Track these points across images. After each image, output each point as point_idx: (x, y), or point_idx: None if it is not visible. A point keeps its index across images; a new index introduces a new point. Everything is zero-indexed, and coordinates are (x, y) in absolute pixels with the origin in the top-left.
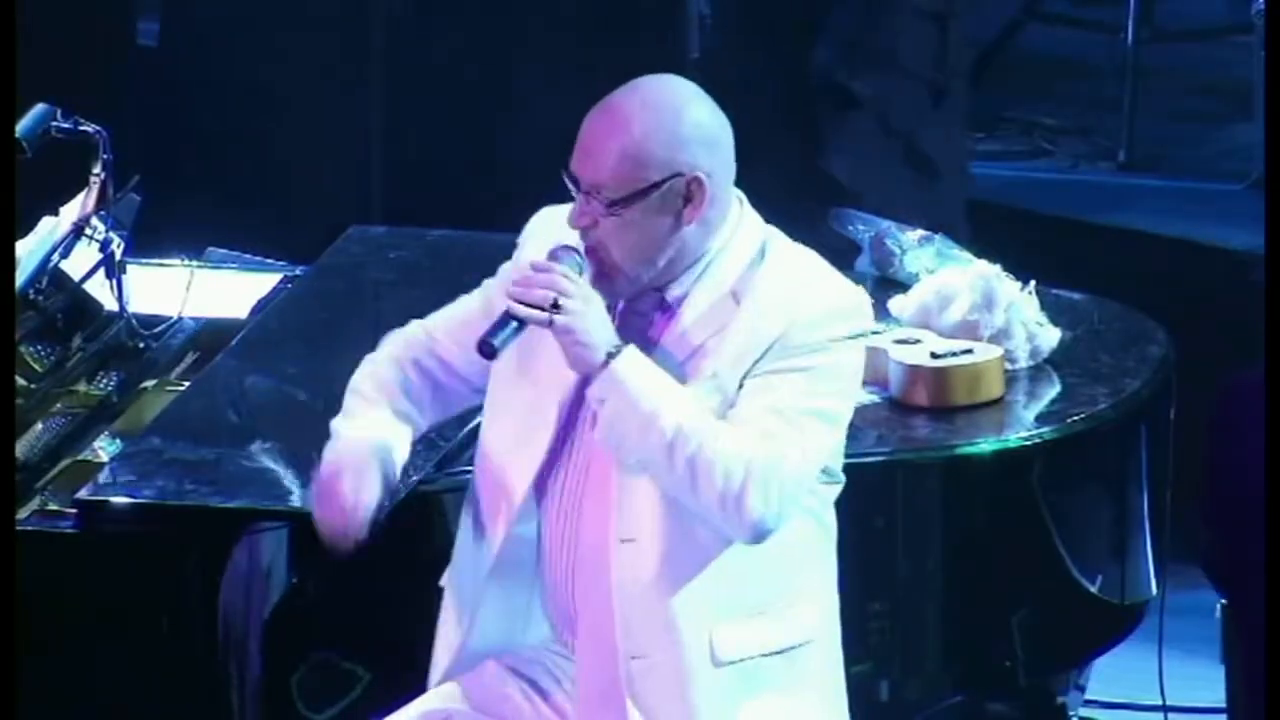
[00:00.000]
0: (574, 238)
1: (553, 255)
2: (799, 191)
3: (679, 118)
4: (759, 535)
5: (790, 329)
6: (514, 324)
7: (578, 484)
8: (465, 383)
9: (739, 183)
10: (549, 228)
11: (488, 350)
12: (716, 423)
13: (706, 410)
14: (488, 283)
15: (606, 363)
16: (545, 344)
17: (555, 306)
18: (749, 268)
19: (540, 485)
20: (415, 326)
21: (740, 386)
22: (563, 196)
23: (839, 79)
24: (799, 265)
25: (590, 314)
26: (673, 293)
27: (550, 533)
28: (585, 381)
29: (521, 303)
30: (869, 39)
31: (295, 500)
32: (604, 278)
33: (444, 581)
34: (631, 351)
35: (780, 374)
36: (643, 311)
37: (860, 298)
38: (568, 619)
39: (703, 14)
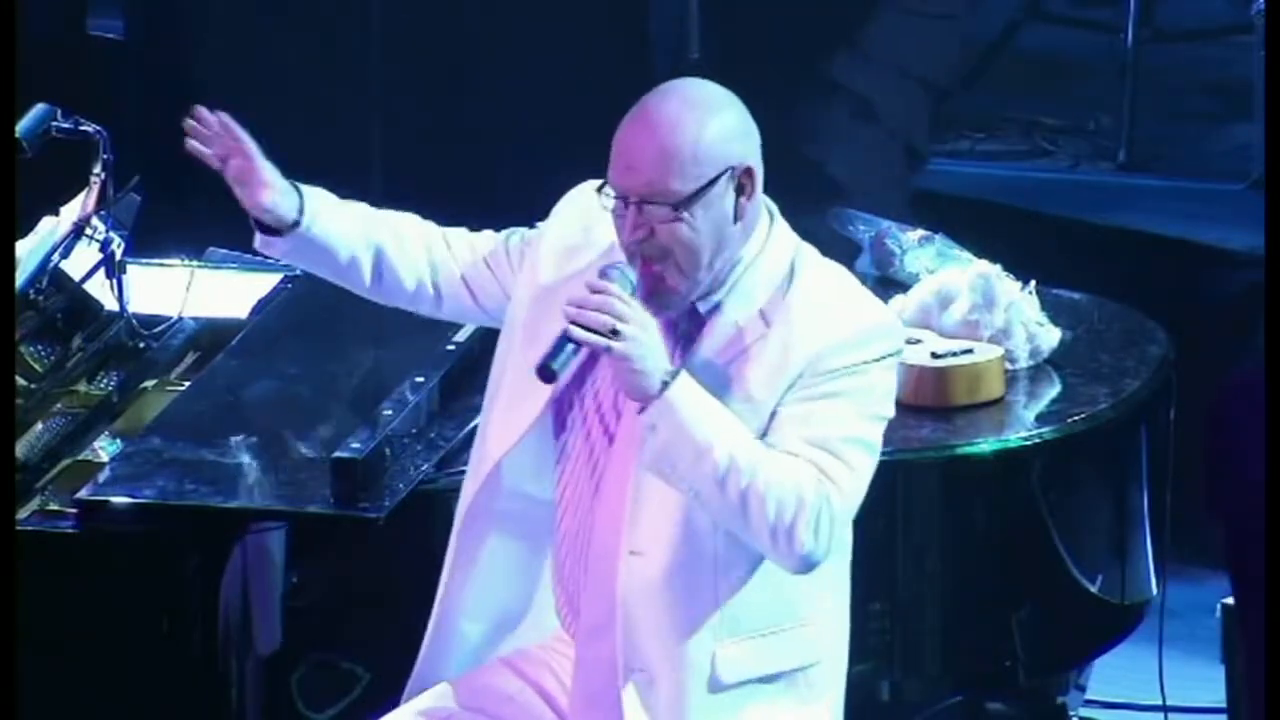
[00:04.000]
0: (603, 225)
1: (604, 274)
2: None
3: (722, 113)
4: (807, 567)
5: (822, 352)
6: (571, 346)
7: (588, 492)
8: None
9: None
10: (585, 209)
11: (548, 375)
12: (769, 453)
13: (756, 439)
14: (509, 233)
15: (661, 391)
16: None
17: (614, 332)
18: (779, 287)
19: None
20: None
21: (774, 412)
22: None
23: (842, 79)
24: (828, 286)
25: (647, 340)
26: (705, 304)
27: (564, 537)
28: (579, 383)
29: (579, 325)
30: (871, 40)
31: (294, 500)
32: (660, 292)
33: None
34: (685, 379)
35: (818, 401)
36: (674, 321)
37: (891, 318)
38: (576, 619)
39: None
